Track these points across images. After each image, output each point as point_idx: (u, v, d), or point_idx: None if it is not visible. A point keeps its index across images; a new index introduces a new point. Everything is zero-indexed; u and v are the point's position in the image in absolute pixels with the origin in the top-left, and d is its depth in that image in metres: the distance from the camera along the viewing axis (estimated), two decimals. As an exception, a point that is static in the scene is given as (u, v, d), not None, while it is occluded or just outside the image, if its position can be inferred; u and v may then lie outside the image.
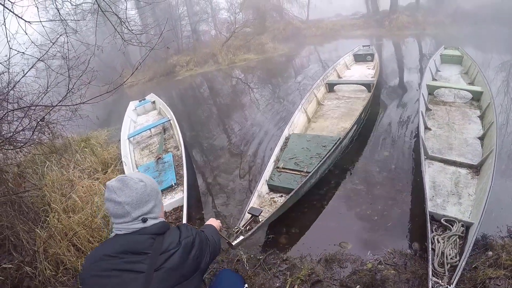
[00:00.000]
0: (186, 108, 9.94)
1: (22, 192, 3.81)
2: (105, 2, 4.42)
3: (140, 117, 8.87)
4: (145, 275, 1.36)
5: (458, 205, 3.28)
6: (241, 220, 3.32)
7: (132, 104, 9.11)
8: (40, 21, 3.67)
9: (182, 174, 4.80)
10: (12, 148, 3.97)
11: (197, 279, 1.51)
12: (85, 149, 6.42)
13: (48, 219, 3.56)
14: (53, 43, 3.74)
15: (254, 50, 17.44)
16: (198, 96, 12.48)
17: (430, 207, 3.14)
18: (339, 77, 8.28)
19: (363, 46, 10.55)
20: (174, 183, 4.70)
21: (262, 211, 3.35)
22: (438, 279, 2.43)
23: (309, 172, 3.97)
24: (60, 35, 4.09)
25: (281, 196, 3.93)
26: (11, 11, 3.32)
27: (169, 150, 6.12)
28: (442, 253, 2.65)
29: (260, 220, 3.26)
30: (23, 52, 3.73)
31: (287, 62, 15.65)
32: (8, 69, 3.86)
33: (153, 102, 9.22)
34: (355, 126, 5.15)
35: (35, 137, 4.53)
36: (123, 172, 5.25)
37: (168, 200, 4.42)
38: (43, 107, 3.93)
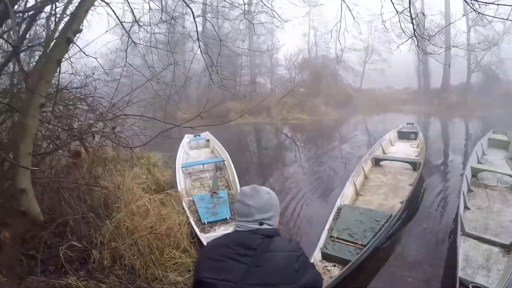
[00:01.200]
0: (234, 153, 10.57)
1: (95, 185, 4.35)
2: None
3: (193, 151, 9.59)
4: (248, 267, 1.64)
5: (486, 277, 3.53)
6: None
7: (187, 138, 9.88)
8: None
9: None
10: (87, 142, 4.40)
11: None
12: (144, 166, 7.04)
13: (118, 215, 4.01)
14: (163, 69, 4.49)
15: (307, 111, 18.33)
16: (246, 144, 13.20)
17: (460, 274, 3.45)
18: (384, 152, 8.58)
19: (407, 123, 10.92)
20: (229, 217, 5.13)
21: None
22: None
23: (364, 245, 4.14)
24: (169, 64, 4.83)
25: (334, 265, 4.00)
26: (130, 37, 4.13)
27: (220, 187, 6.56)
28: None
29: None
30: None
31: (336, 128, 16.22)
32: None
33: (207, 140, 9.94)
34: (405, 204, 5.37)
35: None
36: (178, 198, 5.67)
37: (221, 230, 4.85)
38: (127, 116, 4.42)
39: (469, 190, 5.83)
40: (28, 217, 2.58)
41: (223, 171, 7.56)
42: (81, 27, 2.76)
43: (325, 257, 4.13)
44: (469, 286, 3.33)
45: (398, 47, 3.85)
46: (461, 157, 9.28)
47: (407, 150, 8.95)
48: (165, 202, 5.06)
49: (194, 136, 10.11)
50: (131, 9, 4.30)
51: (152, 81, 4.69)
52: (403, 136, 10.08)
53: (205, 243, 4.22)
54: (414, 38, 3.28)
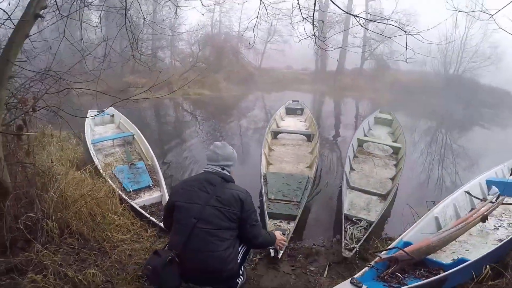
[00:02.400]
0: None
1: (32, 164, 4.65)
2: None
3: (98, 127, 9.65)
4: (209, 195, 2.81)
5: (367, 215, 5.12)
6: None
7: (91, 113, 9.77)
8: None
9: (157, 179, 6.11)
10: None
11: (234, 217, 2.77)
12: (57, 144, 7.21)
13: (57, 187, 4.27)
14: (98, 45, 4.89)
15: (209, 86, 19.16)
16: (146, 120, 13.70)
17: (345, 210, 5.02)
18: (278, 126, 10.01)
19: (292, 101, 12.66)
20: (151, 184, 5.92)
21: (286, 230, 4.51)
22: (349, 243, 4.26)
23: (298, 202, 5.30)
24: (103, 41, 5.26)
25: (281, 221, 4.92)
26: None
27: (134, 160, 7.10)
28: (352, 233, 4.49)
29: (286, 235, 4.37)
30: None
31: (236, 104, 17.65)
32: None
33: (112, 115, 10.02)
34: (315, 168, 6.76)
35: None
36: (96, 171, 6.14)
37: (146, 196, 5.59)
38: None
39: (355, 156, 7.61)
40: (2, 187, 3.00)
41: (133, 145, 8.06)
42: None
43: (272, 216, 5.01)
44: (353, 219, 4.87)
45: (300, 40, 4.86)
46: (352, 131, 11.16)
47: (297, 124, 10.59)
48: (88, 176, 5.30)
49: (98, 111, 10.09)
50: None
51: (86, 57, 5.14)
52: (290, 112, 11.72)
53: (137, 208, 4.95)
54: (313, 37, 4.46)
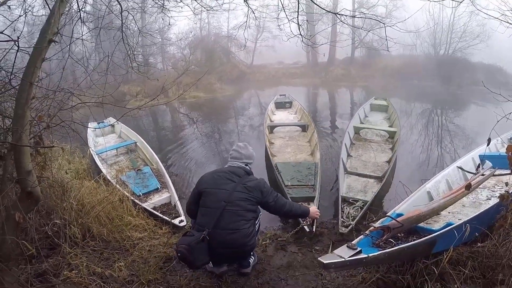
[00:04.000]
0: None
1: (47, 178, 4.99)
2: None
3: (99, 138, 9.92)
4: (236, 183, 3.37)
5: (364, 196, 5.58)
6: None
7: (92, 125, 9.99)
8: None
9: (164, 181, 6.51)
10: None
11: (257, 200, 3.43)
12: (64, 157, 7.43)
13: (76, 195, 4.68)
14: (101, 61, 5.25)
15: (203, 89, 19.51)
16: (144, 127, 14.10)
17: (342, 193, 5.50)
18: (271, 121, 10.47)
19: (280, 95, 13.24)
20: (159, 187, 6.32)
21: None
22: (345, 221, 4.75)
23: (313, 185, 5.87)
24: (105, 56, 5.62)
25: (301, 203, 5.04)
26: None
27: (139, 166, 7.46)
28: (349, 212, 4.98)
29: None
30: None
31: (231, 103, 18.04)
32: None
33: (113, 125, 10.31)
34: (319, 155, 7.20)
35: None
36: (105, 180, 6.48)
37: (156, 198, 5.98)
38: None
39: (352, 143, 8.03)
40: (33, 197, 3.26)
41: (136, 152, 8.40)
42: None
43: (293, 200, 5.26)
44: (350, 200, 5.35)
45: (288, 39, 5.14)
46: (347, 120, 11.49)
47: (288, 117, 11.16)
48: (102, 183, 5.64)
49: (98, 123, 10.18)
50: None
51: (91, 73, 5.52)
52: (279, 106, 12.27)
53: (149, 209, 5.32)
54: (299, 36, 4.83)
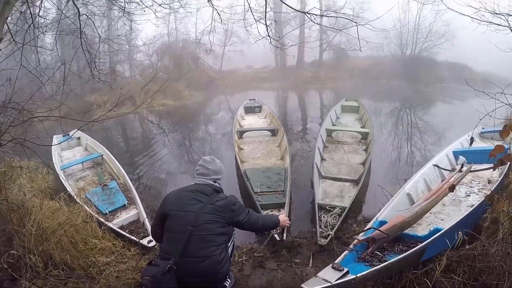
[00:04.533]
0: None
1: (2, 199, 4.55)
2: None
3: (65, 152, 9.48)
4: (203, 204, 2.96)
5: (341, 201, 5.33)
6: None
7: (56, 139, 9.56)
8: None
9: (131, 196, 6.07)
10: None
11: (228, 221, 3.03)
12: (25, 175, 7.00)
13: (35, 220, 4.18)
14: (56, 70, 4.82)
15: (172, 96, 19.03)
16: (113, 137, 13.56)
17: (318, 200, 5.22)
18: (240, 126, 10.24)
19: (249, 100, 13.02)
20: (126, 203, 5.90)
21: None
22: (323, 231, 4.44)
23: (282, 191, 5.68)
24: (61, 65, 5.17)
25: (271, 210, 5.28)
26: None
27: (106, 181, 7.04)
28: (327, 221, 4.68)
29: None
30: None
31: (200, 110, 17.64)
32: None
33: (78, 138, 9.83)
34: (289, 160, 6.96)
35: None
36: (70, 197, 6.07)
37: (123, 216, 5.57)
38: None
39: (325, 146, 7.83)
40: None
41: (103, 165, 8.01)
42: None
43: (263, 207, 5.29)
44: (326, 207, 5.08)
45: (255, 42, 4.98)
46: (318, 122, 11.53)
47: (258, 121, 10.95)
48: (62, 205, 5.19)
49: (63, 136, 9.66)
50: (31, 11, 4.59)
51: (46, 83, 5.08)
52: (249, 110, 12.09)
53: (116, 229, 4.93)
54: (267, 37, 4.59)
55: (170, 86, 19.24)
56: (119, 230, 4.95)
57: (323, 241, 4.28)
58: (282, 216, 3.71)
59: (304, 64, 25.91)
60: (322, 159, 7.08)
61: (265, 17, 4.02)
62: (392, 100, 16.84)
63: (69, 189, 6.47)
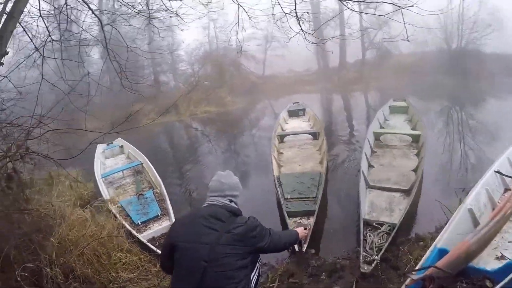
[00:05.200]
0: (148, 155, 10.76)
1: (34, 209, 4.41)
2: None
3: (108, 160, 9.53)
4: (219, 233, 2.30)
5: (389, 216, 4.59)
6: None
7: (100, 147, 9.66)
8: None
9: (165, 207, 5.75)
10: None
11: (250, 250, 2.38)
12: (65, 183, 7.02)
13: (59, 231, 4.09)
14: (80, 81, 4.70)
15: (214, 103, 18.84)
16: (159, 145, 13.50)
17: (363, 216, 4.51)
18: (282, 129, 9.79)
19: (293, 103, 12.53)
20: (160, 214, 5.58)
21: (308, 225, 4.57)
22: (368, 254, 3.73)
23: (314, 197, 5.31)
24: (84, 76, 5.04)
25: (300, 218, 4.96)
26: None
27: (144, 189, 6.84)
28: (372, 241, 3.97)
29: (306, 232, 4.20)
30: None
31: (244, 115, 17.18)
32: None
33: (121, 146, 9.94)
34: (326, 165, 6.52)
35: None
36: (104, 206, 5.89)
37: (155, 227, 5.27)
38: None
39: (372, 151, 7.05)
40: None
41: (143, 174, 7.84)
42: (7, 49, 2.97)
43: (291, 214, 5.01)
44: (373, 223, 4.35)
45: (290, 39, 4.58)
46: (365, 125, 10.64)
47: (301, 124, 10.37)
48: (96, 213, 5.18)
49: (107, 144, 10.04)
50: (46, 26, 4.49)
51: (70, 95, 4.88)
52: (293, 114, 11.50)
53: (145, 242, 4.63)
54: (301, 32, 4.05)
55: (212, 93, 19.17)
56: (147, 243, 4.66)
57: (366, 268, 3.59)
58: (300, 228, 3.18)
59: (347, 65, 24.82)
60: (370, 165, 6.38)
61: (295, 9, 3.46)
62: (440, 98, 15.49)
63: (105, 196, 6.45)
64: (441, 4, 20.13)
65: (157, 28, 5.99)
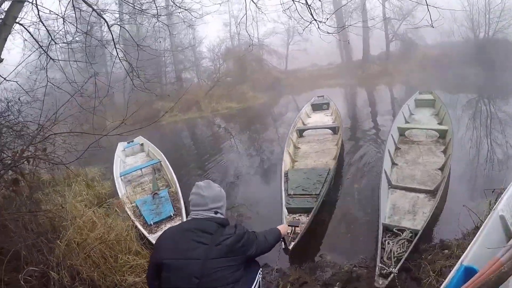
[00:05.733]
0: (169, 152, 10.47)
1: (45, 211, 4.38)
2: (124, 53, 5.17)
3: (129, 158, 9.53)
4: (208, 246, 2.09)
5: (412, 220, 4.18)
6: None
7: (121, 145, 9.77)
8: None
9: (179, 207, 5.55)
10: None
11: (242, 260, 2.20)
12: (82, 182, 7.03)
13: (67, 233, 4.00)
14: (85, 82, 4.56)
15: (236, 99, 18.66)
16: (181, 142, 13.34)
17: (383, 220, 4.12)
18: (304, 124, 9.52)
19: (317, 96, 12.07)
20: (173, 214, 5.39)
21: (300, 221, 4.27)
22: (385, 266, 3.31)
23: (317, 194, 5.07)
24: (90, 77, 4.91)
25: (300, 215, 4.79)
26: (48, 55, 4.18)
27: (161, 188, 6.71)
28: (391, 250, 3.55)
29: (298, 230, 4.02)
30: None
31: (266, 111, 16.86)
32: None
33: (141, 144, 9.92)
34: (337, 160, 6.32)
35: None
36: (120, 205, 5.79)
37: (168, 227, 5.05)
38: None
39: (397, 148, 6.62)
40: None
41: (162, 172, 7.73)
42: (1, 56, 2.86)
43: (290, 210, 4.91)
44: (394, 229, 3.93)
45: (303, 30, 4.39)
46: (390, 120, 10.02)
47: (323, 119, 10.00)
48: (110, 213, 5.15)
49: (128, 142, 10.04)
50: (47, 29, 4.38)
51: (76, 96, 4.73)
52: (316, 108, 11.14)
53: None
54: (314, 22, 3.72)
55: (234, 89, 18.97)
56: None
57: (381, 283, 3.18)
58: (281, 226, 3.00)
59: (371, 58, 24.11)
60: (393, 163, 5.97)
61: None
62: (467, 90, 14.63)
63: (120, 195, 6.44)
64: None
65: (167, 25, 5.74)
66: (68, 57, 5.29)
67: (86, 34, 4.91)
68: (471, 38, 21.29)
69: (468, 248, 2.58)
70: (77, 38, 5.30)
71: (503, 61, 17.75)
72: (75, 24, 4.92)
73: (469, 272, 2.30)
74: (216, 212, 2.31)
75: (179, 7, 4.95)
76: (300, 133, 8.55)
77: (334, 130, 8.27)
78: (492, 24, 20.49)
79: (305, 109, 10.71)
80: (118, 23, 5.36)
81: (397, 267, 3.26)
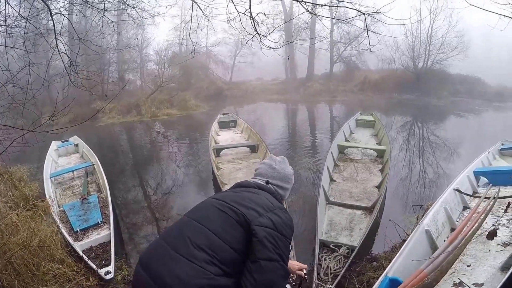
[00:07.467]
0: (105, 155, 10.12)
1: None
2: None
3: (62, 158, 9.00)
4: (235, 191, 1.86)
5: (349, 236, 4.30)
6: None
7: (55, 144, 9.21)
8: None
9: (108, 214, 5.26)
10: None
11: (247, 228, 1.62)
12: (8, 182, 6.43)
13: None
14: (18, 72, 4.24)
15: (177, 105, 18.41)
16: (118, 145, 12.94)
17: (320, 235, 4.20)
18: (216, 143, 9.32)
19: (223, 114, 12.10)
20: (100, 221, 5.08)
21: None
22: (321, 283, 3.36)
23: None
24: (25, 66, 4.53)
25: None
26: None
27: (91, 193, 6.40)
28: (328, 266, 3.63)
29: None
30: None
31: (205, 120, 16.70)
32: None
33: (76, 145, 9.40)
34: None
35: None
36: (47, 209, 5.42)
37: (94, 236, 4.79)
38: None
39: (336, 165, 6.86)
40: None
41: (94, 175, 7.36)
42: None
43: None
44: (331, 245, 4.03)
45: (246, 42, 4.39)
46: (328, 137, 10.52)
47: (234, 137, 10.00)
48: (35, 216, 4.71)
49: (62, 142, 9.48)
50: None
51: (7, 85, 4.37)
52: (224, 125, 11.16)
53: (79, 252, 4.21)
54: (256, 35, 3.76)
55: (176, 95, 18.68)
56: (81, 253, 4.21)
57: None
58: (291, 262, 2.14)
59: (314, 77, 25.07)
60: (332, 180, 6.13)
61: (250, 9, 3.16)
62: (404, 114, 15.82)
63: (48, 198, 5.89)
64: (411, 25, 21.06)
65: (112, 21, 5.51)
66: (5, 42, 4.88)
67: (27, 20, 4.54)
68: (410, 66, 22.93)
69: (393, 260, 2.73)
70: (18, 24, 4.90)
71: (438, 90, 19.67)
72: (18, 7, 4.54)
73: (393, 284, 2.40)
74: (267, 182, 1.98)
75: (125, 3, 4.75)
76: (217, 152, 8.24)
77: (253, 148, 8.25)
78: (431, 55, 22.29)
79: (214, 127, 10.50)
80: (62, 12, 5.01)
81: (334, 283, 3.32)
